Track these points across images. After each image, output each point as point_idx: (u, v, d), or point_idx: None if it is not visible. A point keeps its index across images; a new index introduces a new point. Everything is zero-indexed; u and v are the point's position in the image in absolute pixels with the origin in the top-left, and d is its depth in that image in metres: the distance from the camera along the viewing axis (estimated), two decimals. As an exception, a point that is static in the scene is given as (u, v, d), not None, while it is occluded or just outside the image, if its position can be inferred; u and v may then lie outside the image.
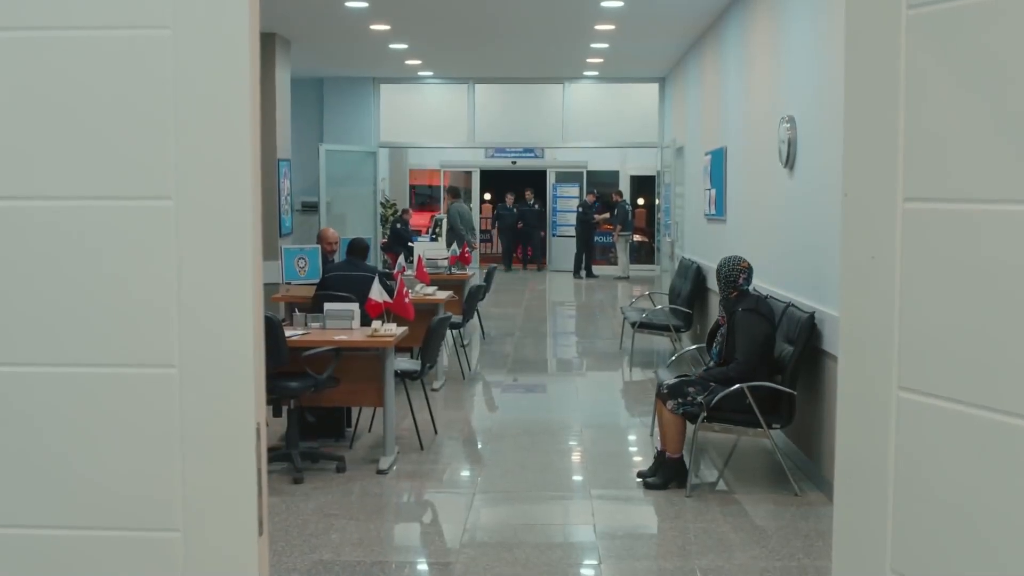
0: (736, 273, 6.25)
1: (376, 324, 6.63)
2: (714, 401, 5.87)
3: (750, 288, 6.34)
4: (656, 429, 6.55)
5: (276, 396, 6.45)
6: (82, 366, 1.74)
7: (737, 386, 5.83)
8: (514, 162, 23.53)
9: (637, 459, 6.95)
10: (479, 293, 10.48)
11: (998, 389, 1.51)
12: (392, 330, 6.60)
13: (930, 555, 1.64)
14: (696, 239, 11.57)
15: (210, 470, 1.75)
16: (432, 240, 13.60)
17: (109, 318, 1.73)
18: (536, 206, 22.79)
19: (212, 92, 1.71)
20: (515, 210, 22.62)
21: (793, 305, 6.41)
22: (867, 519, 1.73)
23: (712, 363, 6.40)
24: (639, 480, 6.16)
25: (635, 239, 21.92)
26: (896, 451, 1.67)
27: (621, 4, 9.56)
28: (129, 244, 1.73)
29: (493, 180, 24.98)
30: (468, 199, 23.41)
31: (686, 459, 6.08)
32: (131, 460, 1.75)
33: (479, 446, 7.32)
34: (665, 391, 6.11)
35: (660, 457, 6.14)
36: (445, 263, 11.15)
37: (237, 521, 1.76)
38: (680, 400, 6.02)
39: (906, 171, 1.63)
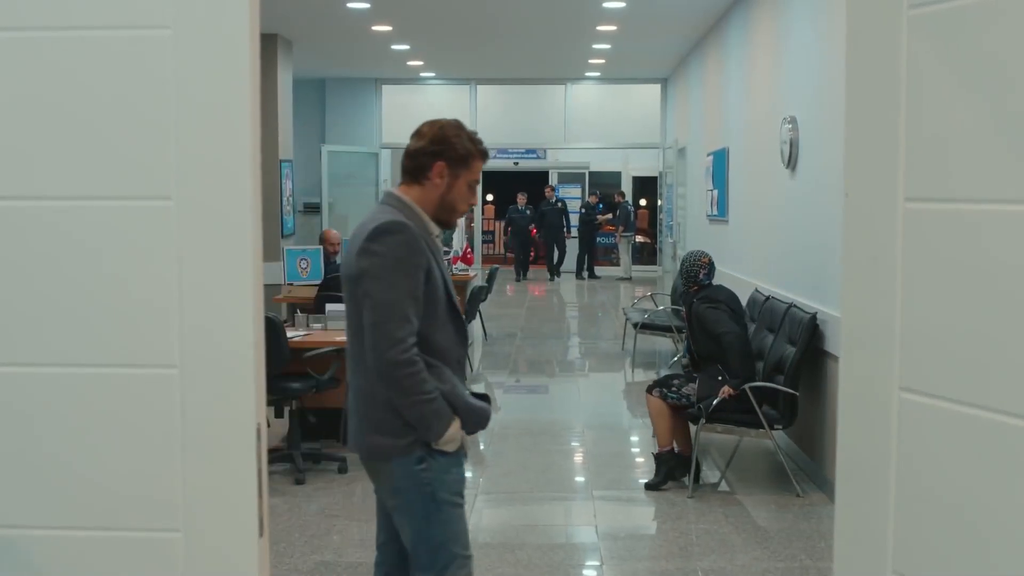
0: (696, 268, 6.30)
1: (378, 325, 6.62)
2: (713, 404, 5.87)
3: (711, 283, 6.36)
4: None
5: (278, 397, 6.45)
6: (83, 366, 1.74)
7: (725, 388, 5.86)
8: (516, 163, 23.52)
9: (639, 460, 6.94)
10: (481, 294, 10.47)
11: (1000, 390, 1.51)
12: (394, 331, 6.59)
13: (932, 556, 1.63)
14: (698, 240, 11.56)
15: (211, 471, 1.75)
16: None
17: (110, 319, 1.73)
18: (560, 204, 20.78)
19: (212, 92, 1.71)
20: (528, 211, 20.81)
21: (795, 306, 6.41)
22: (868, 520, 1.72)
23: (684, 359, 6.51)
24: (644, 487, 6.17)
25: (637, 240, 21.91)
26: (897, 452, 1.67)
27: (623, 5, 9.56)
28: (129, 244, 1.73)
29: (495, 181, 24.96)
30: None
31: (692, 459, 6.07)
32: (132, 460, 1.75)
33: (481, 447, 7.32)
34: (651, 383, 6.26)
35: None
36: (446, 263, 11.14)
37: (238, 522, 1.75)
38: (665, 389, 6.13)
39: (907, 171, 1.63)
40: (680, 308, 10.20)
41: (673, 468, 6.06)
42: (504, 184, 23.90)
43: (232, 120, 1.72)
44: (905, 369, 1.65)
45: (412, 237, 2.90)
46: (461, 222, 15.09)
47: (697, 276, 6.28)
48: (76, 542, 1.77)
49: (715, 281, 6.43)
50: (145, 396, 1.74)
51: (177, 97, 1.70)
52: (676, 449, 6.12)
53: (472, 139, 3.10)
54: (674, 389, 6.13)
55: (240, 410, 1.74)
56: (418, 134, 3.08)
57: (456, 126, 3.10)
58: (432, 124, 3.10)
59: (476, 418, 3.04)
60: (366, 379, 2.94)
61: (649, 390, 6.26)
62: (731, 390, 5.84)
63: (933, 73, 1.59)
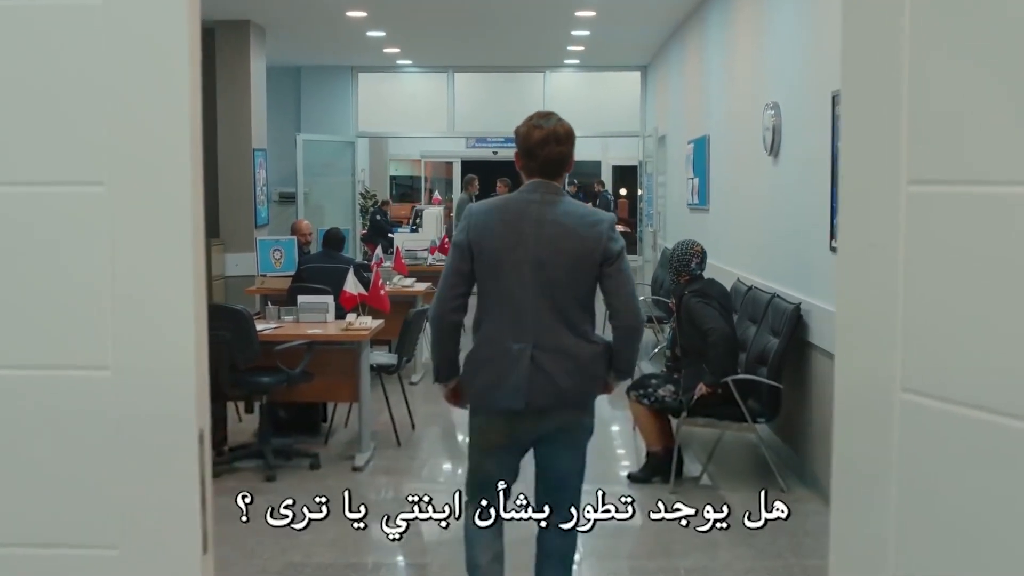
0: (689, 257, 6.11)
1: (351, 317, 6.48)
2: (694, 398, 5.75)
3: (703, 273, 6.19)
4: (636, 426, 6.44)
5: (248, 392, 6.30)
6: (7, 368, 1.59)
7: (704, 389, 5.72)
8: (495, 152, 23.35)
9: (620, 452, 6.83)
10: (459, 285, 10.31)
11: (1011, 391, 1.37)
12: (367, 323, 6.45)
13: (937, 570, 1.50)
14: (679, 229, 11.44)
15: (149, 482, 1.60)
16: (412, 231, 13.44)
17: (35, 316, 1.58)
18: None
19: (148, 66, 1.56)
20: None
21: (778, 296, 6.29)
22: (868, 531, 1.59)
23: (667, 350, 6.36)
24: (626, 477, 6.07)
25: (617, 229, 21.82)
26: (899, 459, 1.53)
27: (602, -10, 9.42)
28: (57, 234, 1.58)
29: (473, 170, 24.78)
30: (465, 189, 23.13)
31: (675, 453, 5.95)
32: (62, 472, 1.60)
33: (458, 440, 7.18)
34: (630, 385, 6.03)
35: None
36: (425, 254, 10.98)
37: (179, 537, 1.61)
38: (641, 391, 5.98)
39: (910, 151, 1.48)
40: (662, 299, 10.11)
41: (660, 468, 5.95)
42: (482, 173, 23.70)
43: (170, 99, 1.56)
44: (908, 369, 1.51)
45: None
46: (440, 211, 14.89)
47: (689, 265, 6.10)
48: (5, 560, 1.62)
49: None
50: (75, 401, 1.59)
51: (109, 73, 1.55)
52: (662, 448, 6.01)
53: None
54: (651, 390, 6.00)
55: (180, 414, 1.59)
56: (558, 140, 3.91)
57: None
58: (560, 126, 4.02)
59: None
60: (582, 338, 3.68)
61: (627, 392, 6.07)
62: (707, 387, 5.71)
63: (940, 41, 1.44)
